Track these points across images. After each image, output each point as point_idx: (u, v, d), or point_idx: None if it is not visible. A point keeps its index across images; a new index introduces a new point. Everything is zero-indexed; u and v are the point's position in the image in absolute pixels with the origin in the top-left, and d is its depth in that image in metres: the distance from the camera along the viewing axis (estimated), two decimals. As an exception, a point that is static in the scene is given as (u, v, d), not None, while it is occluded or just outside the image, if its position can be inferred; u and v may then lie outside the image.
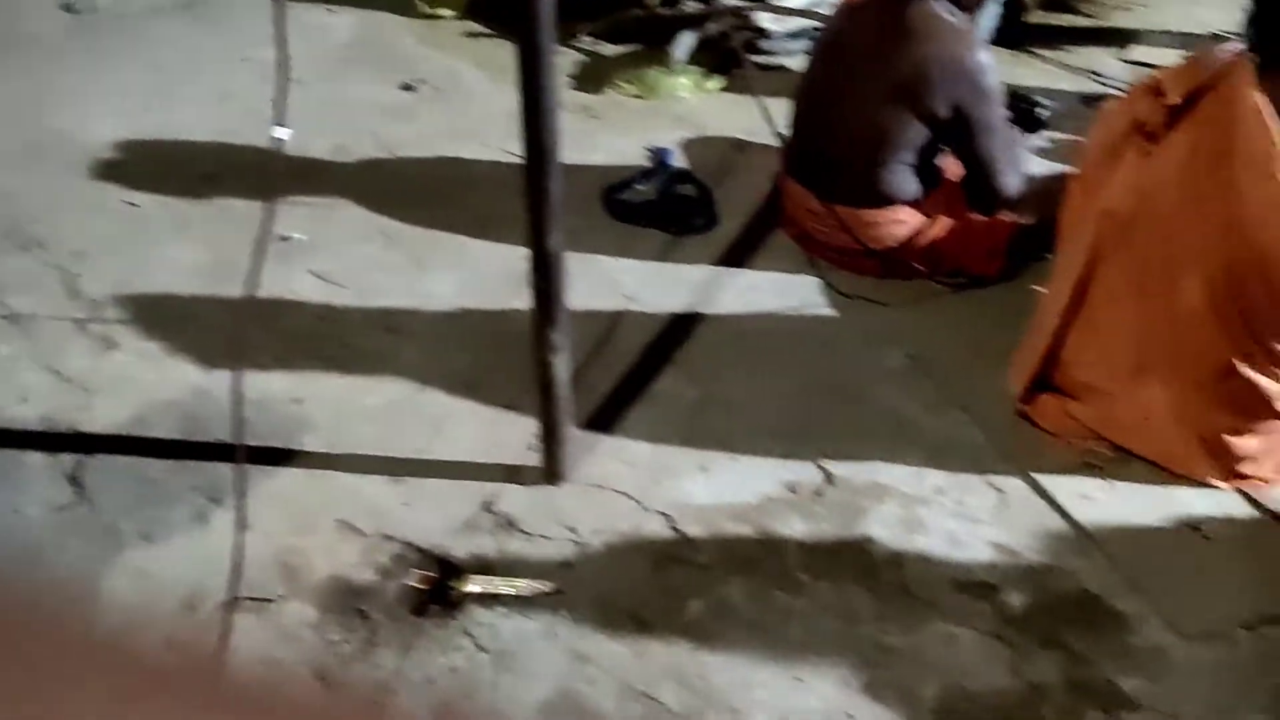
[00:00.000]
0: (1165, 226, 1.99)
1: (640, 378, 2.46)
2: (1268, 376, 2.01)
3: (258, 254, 1.85)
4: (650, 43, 3.86)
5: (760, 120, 2.81)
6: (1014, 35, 4.13)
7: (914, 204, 2.72)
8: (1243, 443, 2.07)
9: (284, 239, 2.70)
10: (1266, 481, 2.13)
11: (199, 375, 2.41)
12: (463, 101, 3.46)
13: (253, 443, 2.04)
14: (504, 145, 2.96)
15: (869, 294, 2.68)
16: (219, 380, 2.27)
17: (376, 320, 2.59)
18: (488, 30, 3.86)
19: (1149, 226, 2.01)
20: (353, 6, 3.94)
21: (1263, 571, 1.98)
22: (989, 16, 2.65)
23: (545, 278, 1.96)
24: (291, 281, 2.66)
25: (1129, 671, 1.82)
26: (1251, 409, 2.04)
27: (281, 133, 1.83)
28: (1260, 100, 1.88)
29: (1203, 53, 2.03)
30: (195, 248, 2.80)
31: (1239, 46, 1.94)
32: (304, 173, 2.97)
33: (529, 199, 1.92)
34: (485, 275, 2.69)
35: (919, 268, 2.71)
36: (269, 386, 2.34)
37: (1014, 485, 2.16)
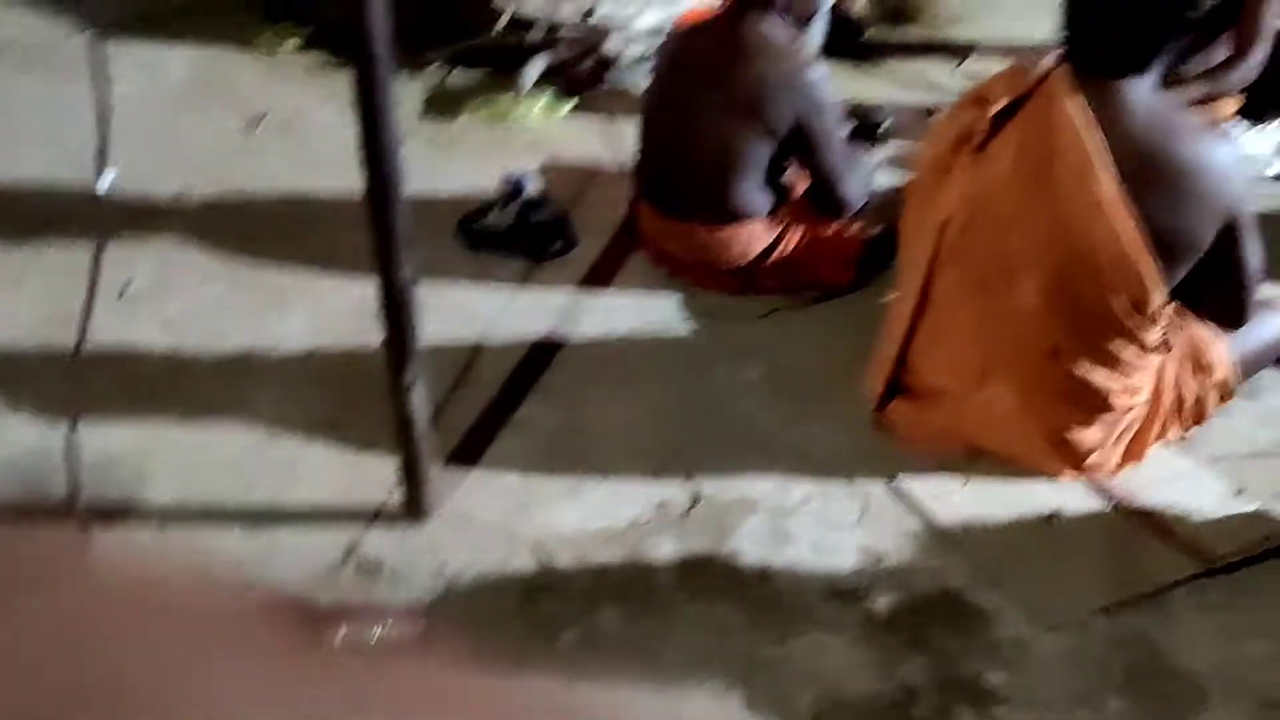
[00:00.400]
0: (999, 231, 2.06)
1: (504, 407, 2.43)
2: (1102, 372, 2.09)
3: (90, 303, 1.76)
4: (499, 70, 3.84)
5: (612, 143, 2.82)
6: (853, 50, 4.26)
7: (766, 219, 2.76)
8: (1085, 436, 2.15)
9: (124, 286, 2.59)
10: (1111, 470, 2.21)
11: (35, 433, 2.29)
12: (308, 136, 3.38)
13: (93, 501, 1.94)
14: (352, 178, 2.90)
15: (728, 310, 2.71)
16: (57, 438, 2.16)
17: (225, 366, 2.50)
18: (332, 61, 3.79)
19: (984, 232, 2.08)
20: (190, 43, 3.82)
21: (1112, 559, 2.06)
22: (819, 33, 2.71)
23: (396, 312, 1.92)
24: (134, 329, 2.55)
25: (994, 665, 1.86)
26: (1090, 403, 2.12)
27: (108, 177, 1.75)
28: (1076, 107, 1.96)
29: (1023, 62, 2.12)
30: (29, 300, 2.66)
31: (1056, 56, 2.03)
32: (144, 216, 2.86)
33: (374, 232, 1.88)
34: (337, 313, 2.63)
35: (773, 282, 2.76)
36: (111, 441, 2.24)
37: (876, 490, 2.21)
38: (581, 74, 3.63)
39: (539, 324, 2.66)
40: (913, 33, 4.61)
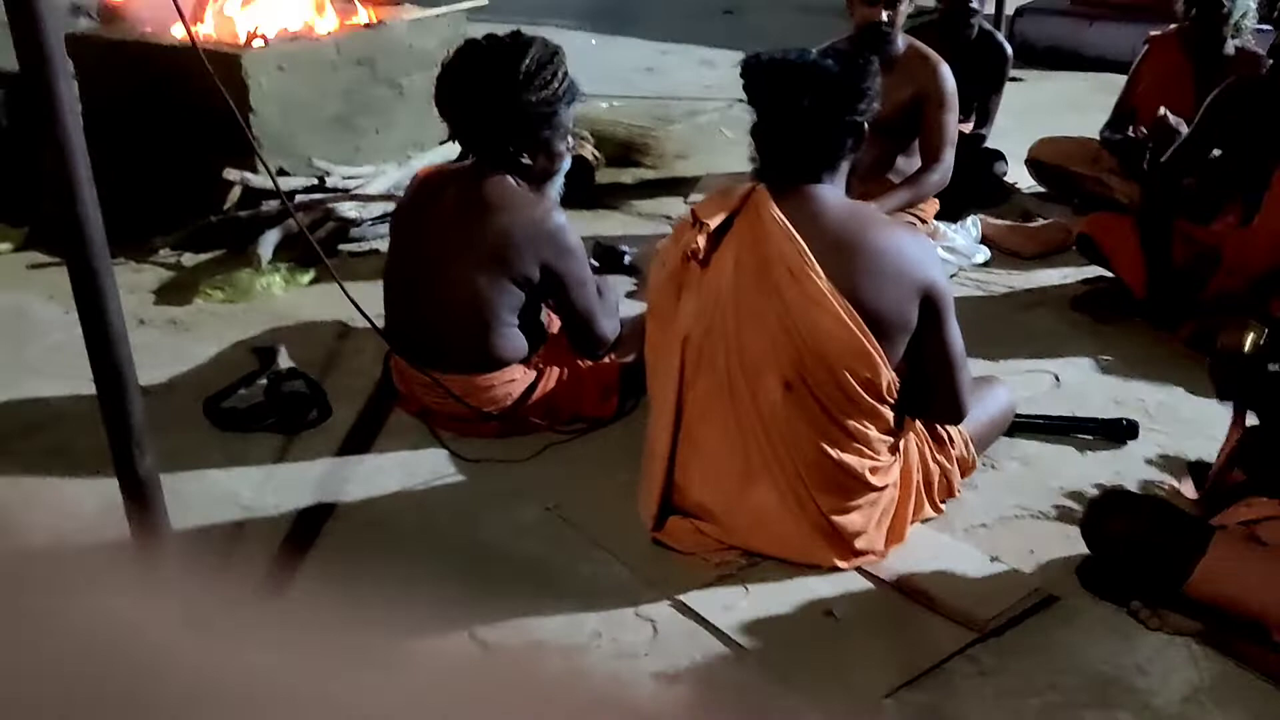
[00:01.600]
0: (735, 339, 2.18)
1: (274, 590, 2.32)
2: (853, 454, 2.21)
3: None
4: (234, 246, 3.78)
5: (357, 306, 2.80)
6: (586, 195, 4.44)
7: (524, 361, 2.80)
8: (849, 520, 2.25)
9: None
10: (880, 555, 2.31)
11: None
12: (32, 335, 3.21)
13: None
14: (84, 375, 2.76)
15: (496, 455, 2.70)
16: None
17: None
18: (52, 259, 3.63)
19: (721, 342, 2.19)
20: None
21: (890, 640, 2.14)
22: (559, 185, 2.83)
23: (141, 506, 1.81)
24: None
25: (798, 765, 1.88)
26: (847, 488, 2.23)
27: None
28: (779, 214, 2.12)
29: (728, 185, 2.29)
30: None
31: (755, 173, 2.21)
32: None
33: (109, 427, 1.79)
34: (81, 515, 2.46)
35: (538, 421, 2.78)
36: None
37: (663, 612, 2.22)
38: (318, 241, 3.60)
39: (302, 497, 2.58)
40: (643, 173, 4.86)
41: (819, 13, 6.90)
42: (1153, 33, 4.28)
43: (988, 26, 4.40)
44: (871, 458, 2.23)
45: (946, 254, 3.80)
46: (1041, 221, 4.06)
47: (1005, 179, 4.43)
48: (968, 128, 4.37)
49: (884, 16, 3.60)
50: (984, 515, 2.51)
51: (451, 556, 2.40)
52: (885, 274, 2.14)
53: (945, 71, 3.69)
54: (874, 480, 2.24)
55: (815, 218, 2.15)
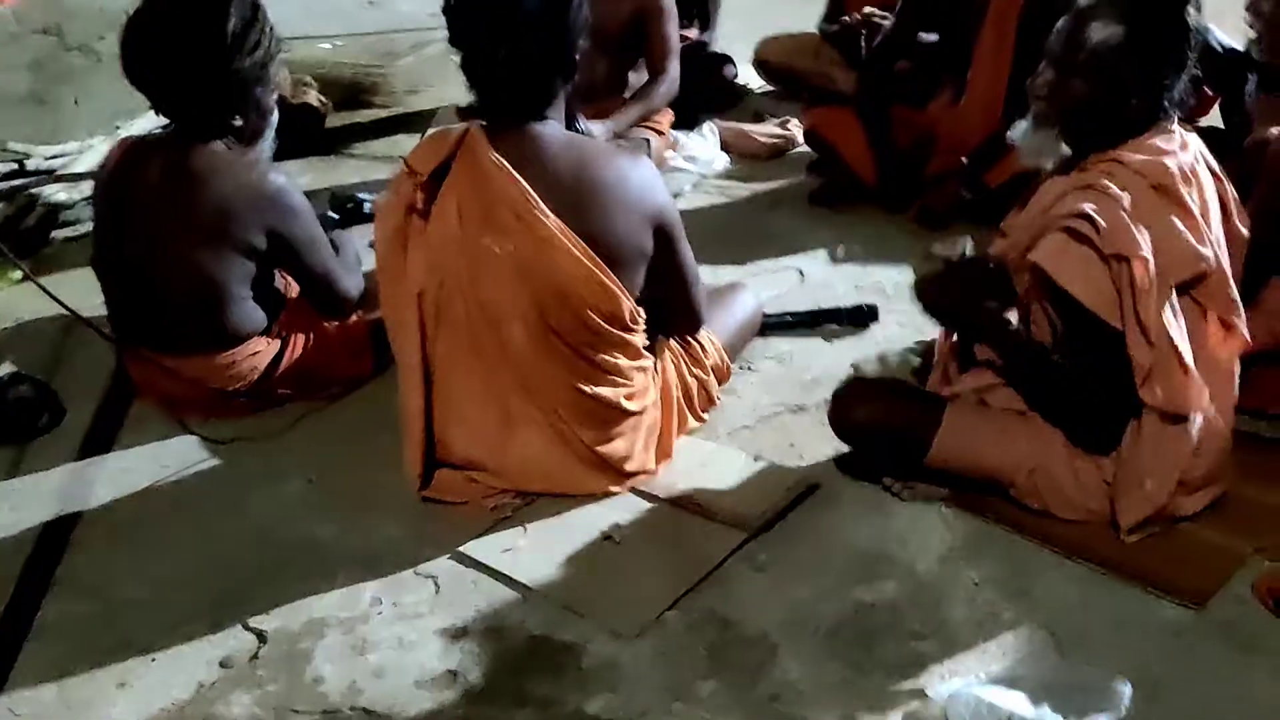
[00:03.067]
0: (470, 289, 2.14)
1: (22, 614, 2.16)
2: (607, 386, 2.22)
3: None
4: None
5: (78, 297, 2.62)
6: (317, 143, 4.25)
7: (265, 332, 2.68)
8: (614, 449, 2.27)
9: None
10: (651, 473, 2.35)
11: None
12: None
13: None
14: None
15: (248, 433, 2.59)
16: None
17: None
18: None
19: (458, 294, 2.15)
20: None
21: (669, 554, 2.19)
22: (271, 139, 2.68)
23: None
24: None
25: (591, 692, 1.91)
26: (607, 419, 2.25)
27: None
28: (497, 156, 2.08)
29: (441, 129, 2.22)
30: None
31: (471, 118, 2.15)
32: None
33: None
34: None
35: (288, 393, 2.67)
36: None
37: (444, 566, 2.19)
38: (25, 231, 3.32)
39: (43, 510, 2.40)
40: (376, 113, 4.69)
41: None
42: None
43: (695, -70, 4.42)
44: (626, 385, 2.25)
45: (687, 164, 3.85)
46: (773, 121, 4.15)
47: (736, 81, 4.50)
48: (694, 34, 4.40)
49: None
50: (746, 417, 2.59)
51: (217, 545, 2.29)
52: (615, 205, 2.14)
53: (661, -18, 3.68)
54: (632, 406, 2.26)
55: (536, 156, 2.12)
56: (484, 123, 2.17)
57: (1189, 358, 1.96)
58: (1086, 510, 2.13)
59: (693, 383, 2.47)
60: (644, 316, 2.24)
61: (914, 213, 3.44)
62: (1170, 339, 1.92)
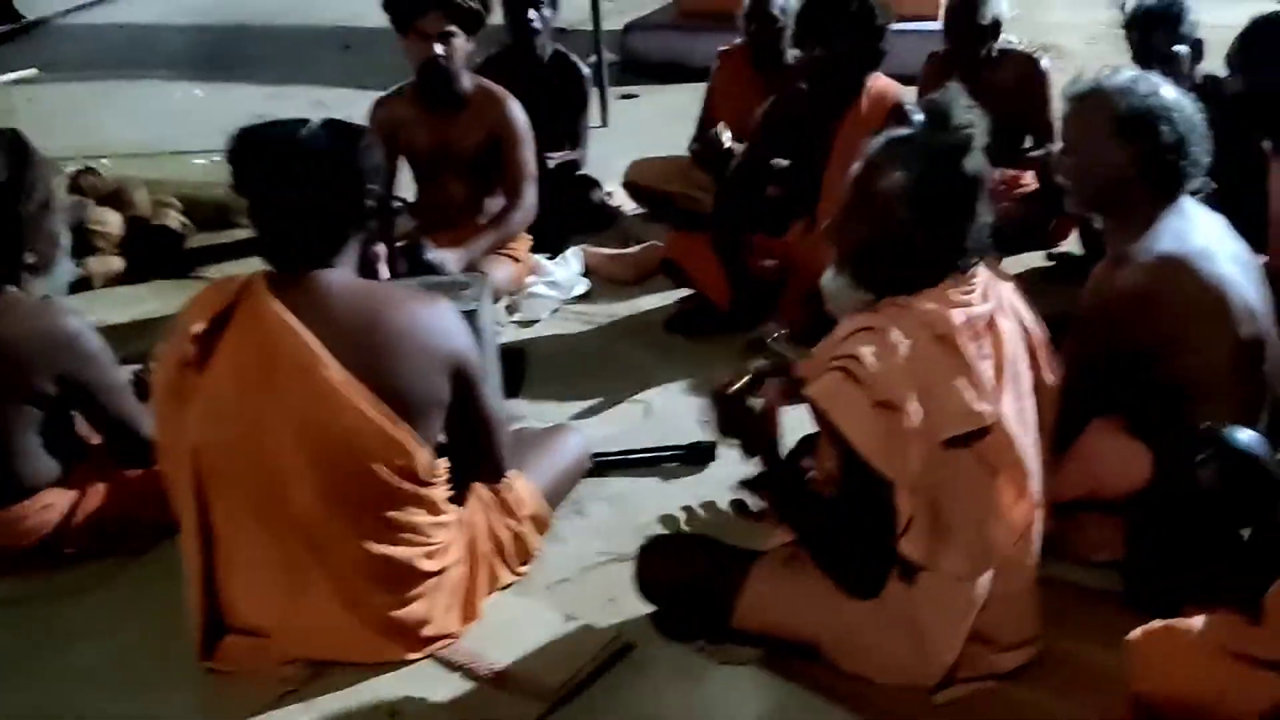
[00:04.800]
0: (248, 445, 2.02)
1: None
2: (402, 545, 2.10)
3: None
4: None
5: None
6: (176, 265, 4.14)
7: (60, 482, 2.52)
8: (410, 612, 2.14)
9: None
10: (453, 636, 2.21)
11: None
12: None
13: None
14: None
15: (37, 595, 2.43)
16: None
17: None
18: None
19: (235, 450, 2.03)
20: None
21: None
22: (66, 273, 2.57)
23: None
24: None
25: None
26: (403, 580, 2.12)
27: None
28: (281, 306, 1.98)
29: (222, 279, 2.12)
30: None
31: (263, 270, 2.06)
32: None
33: None
34: None
35: (85, 548, 2.51)
36: None
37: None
38: None
39: None
40: (238, 233, 4.57)
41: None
42: (721, 48, 4.44)
43: (562, 49, 4.41)
44: (424, 543, 2.13)
45: (548, 289, 3.79)
46: (638, 246, 4.12)
47: (609, 203, 4.47)
48: (563, 155, 4.37)
49: (439, 50, 3.50)
50: (568, 568, 2.47)
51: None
52: (408, 352, 2.04)
53: (514, 106, 3.66)
54: (430, 566, 2.14)
55: (322, 305, 2.02)
56: (269, 269, 2.07)
57: (957, 516, 1.88)
58: (899, 671, 2.03)
59: (506, 534, 2.35)
60: (442, 468, 2.13)
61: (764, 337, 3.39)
62: (933, 496, 1.86)
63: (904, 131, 1.97)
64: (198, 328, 1.99)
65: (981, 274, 2.01)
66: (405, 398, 2.04)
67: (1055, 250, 3.98)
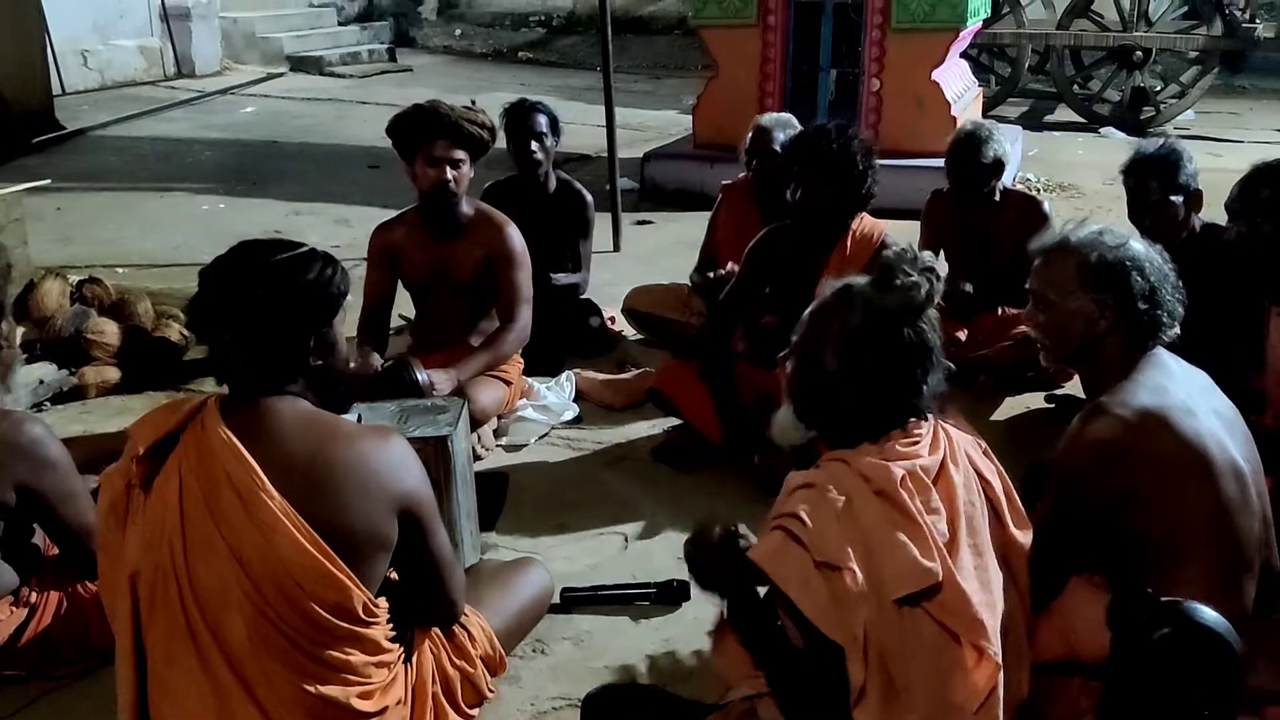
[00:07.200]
0: (186, 573, 1.95)
1: None
2: (337, 684, 2.01)
3: None
4: None
5: None
6: (173, 376, 4.15)
7: (13, 595, 2.47)
8: (349, 756, 2.04)
9: None
10: (393, 778, 2.11)
11: None
12: None
13: None
14: None
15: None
16: None
17: None
18: None
19: (174, 577, 1.96)
20: None
21: None
22: (23, 382, 2.56)
23: None
24: None
25: None
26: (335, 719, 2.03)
27: None
28: (228, 432, 1.94)
29: (174, 400, 2.08)
30: None
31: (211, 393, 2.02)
32: None
33: None
34: None
35: (30, 668, 2.45)
36: None
37: None
38: None
39: None
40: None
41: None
42: (724, 182, 4.48)
43: (565, 176, 4.47)
44: (360, 683, 2.04)
45: (537, 414, 3.75)
46: (634, 371, 4.09)
47: (610, 327, 4.47)
48: (567, 278, 4.38)
49: (448, 176, 3.55)
50: (521, 713, 2.38)
51: None
52: (353, 489, 1.97)
53: (512, 231, 3.68)
54: (366, 707, 2.04)
55: (270, 433, 1.97)
56: (221, 395, 2.04)
57: (913, 680, 1.78)
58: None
59: (455, 675, 2.26)
60: (383, 608, 2.05)
61: (756, 474, 3.31)
62: (886, 660, 1.76)
63: (858, 282, 1.94)
64: (145, 447, 1.95)
65: (928, 425, 1.94)
66: (346, 535, 1.96)
67: (1056, 392, 3.91)
